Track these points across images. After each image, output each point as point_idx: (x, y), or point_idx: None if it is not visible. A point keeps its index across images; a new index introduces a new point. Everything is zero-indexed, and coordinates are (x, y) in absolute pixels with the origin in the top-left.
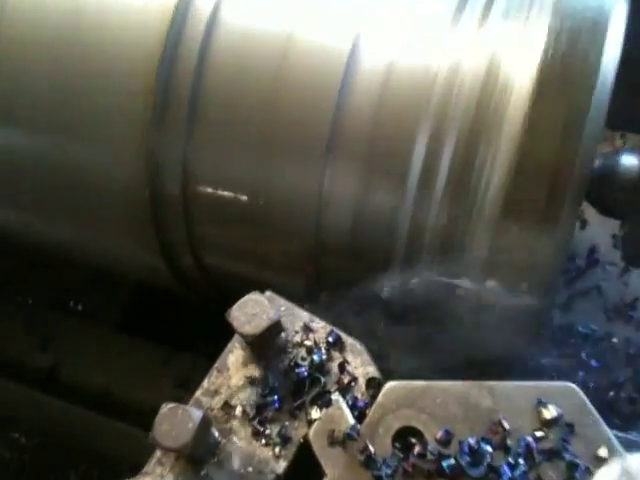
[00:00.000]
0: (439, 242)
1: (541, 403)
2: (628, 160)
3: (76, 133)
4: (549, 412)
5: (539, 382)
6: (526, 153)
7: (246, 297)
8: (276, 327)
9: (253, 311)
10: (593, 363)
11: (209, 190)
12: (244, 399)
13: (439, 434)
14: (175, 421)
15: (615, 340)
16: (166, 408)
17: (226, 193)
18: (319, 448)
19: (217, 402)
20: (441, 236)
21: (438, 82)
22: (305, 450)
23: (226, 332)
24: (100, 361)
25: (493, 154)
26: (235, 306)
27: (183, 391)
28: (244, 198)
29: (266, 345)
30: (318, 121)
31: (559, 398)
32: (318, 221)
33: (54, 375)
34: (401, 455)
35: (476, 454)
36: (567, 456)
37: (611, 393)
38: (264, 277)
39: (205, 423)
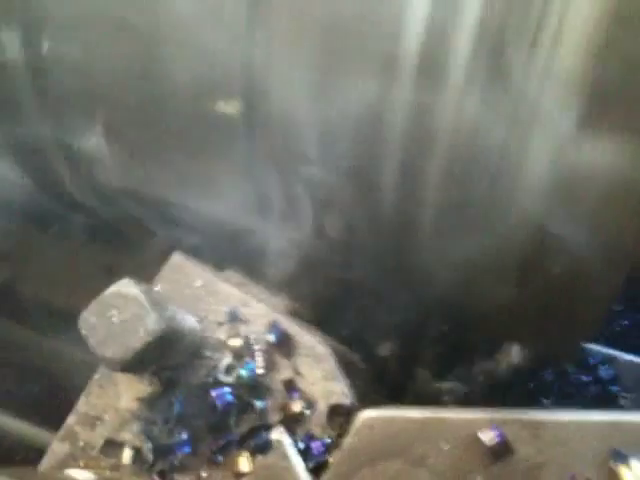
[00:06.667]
0: None
1: (620, 456)
2: None
3: None
4: (634, 473)
5: (617, 416)
6: None
7: (111, 289)
8: (168, 337)
9: (122, 316)
10: None
11: None
12: (138, 434)
13: None
14: None
15: None
16: None
17: None
18: None
19: (98, 437)
20: None
21: None
22: None
23: None
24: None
25: None
26: (91, 306)
27: None
28: None
29: (159, 359)
30: None
31: None
32: None
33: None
34: None
35: None
36: None
37: None
38: None
39: None
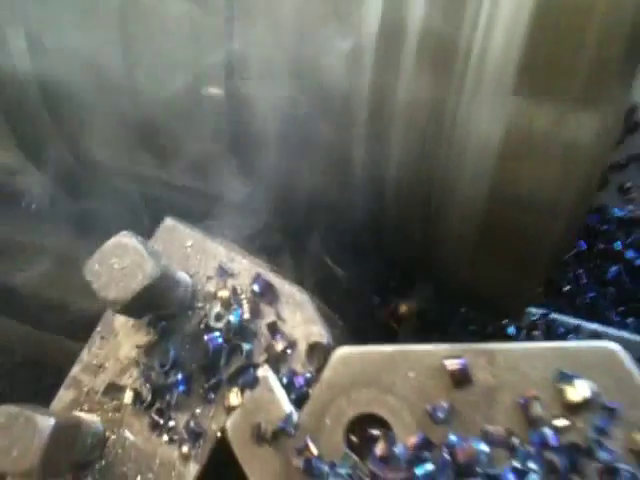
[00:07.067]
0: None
1: (565, 376)
2: None
3: None
4: (576, 390)
5: (561, 343)
6: None
7: (112, 240)
8: (163, 284)
9: (122, 263)
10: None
11: None
12: (137, 378)
13: (412, 440)
14: (16, 435)
15: None
16: (2, 415)
17: None
18: (240, 447)
19: (101, 382)
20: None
21: None
22: (223, 448)
23: None
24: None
25: None
26: (95, 256)
27: None
28: None
29: (155, 306)
30: None
31: (593, 367)
32: None
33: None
34: (356, 458)
35: (466, 457)
36: (603, 455)
37: None
38: None
39: (60, 435)
